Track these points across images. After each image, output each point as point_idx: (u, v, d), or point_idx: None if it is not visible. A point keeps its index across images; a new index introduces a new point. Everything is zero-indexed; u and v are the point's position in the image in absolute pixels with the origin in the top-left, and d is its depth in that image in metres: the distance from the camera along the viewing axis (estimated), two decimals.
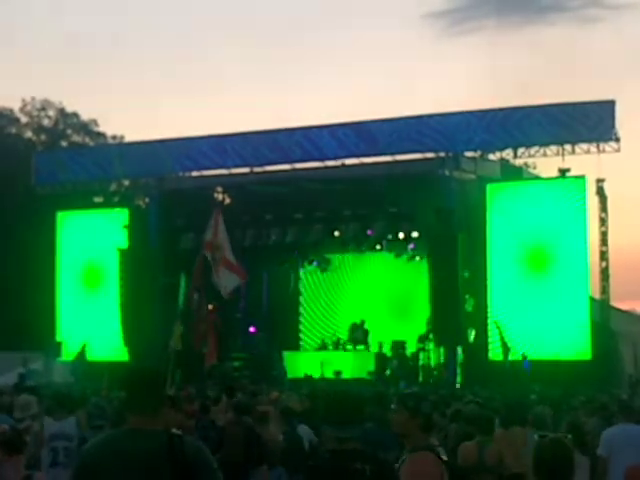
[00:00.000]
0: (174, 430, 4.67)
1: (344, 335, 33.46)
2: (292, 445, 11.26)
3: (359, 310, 34.33)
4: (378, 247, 33.30)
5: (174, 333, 22.82)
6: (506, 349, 27.17)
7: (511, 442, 10.21)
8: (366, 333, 32.59)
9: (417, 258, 32.57)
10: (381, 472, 4.96)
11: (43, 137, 50.04)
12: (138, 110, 71.60)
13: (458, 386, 27.53)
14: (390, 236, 32.04)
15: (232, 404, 12.73)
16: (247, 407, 12.21)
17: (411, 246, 32.22)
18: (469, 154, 31.04)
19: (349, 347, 32.82)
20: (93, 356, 32.11)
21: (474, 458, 9.32)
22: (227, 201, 34.49)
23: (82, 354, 31.98)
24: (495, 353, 28.66)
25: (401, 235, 31.71)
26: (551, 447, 5.13)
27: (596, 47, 71.15)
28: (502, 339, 27.30)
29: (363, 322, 32.82)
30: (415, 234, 31.41)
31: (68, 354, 33.94)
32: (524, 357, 27.19)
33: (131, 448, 4.49)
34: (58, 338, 34.43)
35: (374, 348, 32.20)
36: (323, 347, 33.63)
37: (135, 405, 4.62)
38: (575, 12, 76.19)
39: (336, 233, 32.05)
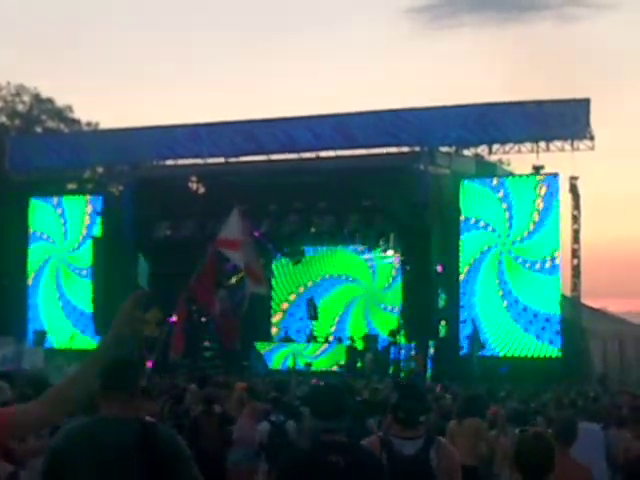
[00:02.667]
0: (147, 418, 4.64)
1: (315, 328, 33.53)
2: (277, 439, 11.26)
3: (331, 303, 34.37)
4: (352, 240, 33.31)
5: (149, 321, 22.74)
6: (479, 345, 27.28)
7: (464, 434, 10.26)
8: (315, 308, 32.88)
9: (390, 252, 32.62)
10: (355, 464, 4.92)
11: (17, 122, 49.66)
12: (114, 97, 71.33)
13: (428, 380, 27.63)
14: (364, 229, 32.03)
15: (201, 396, 12.70)
16: (217, 397, 12.18)
17: (384, 239, 32.25)
18: (444, 149, 31.14)
19: (321, 339, 32.89)
20: (64, 344, 32.00)
21: None
22: (201, 190, 34.42)
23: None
24: (466, 348, 28.84)
25: (375, 229, 31.72)
26: (533, 441, 5.13)
27: (574, 46, 71.62)
28: (477, 335, 27.38)
29: (313, 297, 33.07)
30: (389, 228, 31.44)
31: (37, 341, 33.87)
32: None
33: (104, 437, 4.46)
34: (30, 325, 34.26)
35: (346, 341, 32.23)
36: (290, 339, 33.74)
37: (110, 392, 4.58)
38: (555, 10, 76.51)
39: (311, 227, 32.04)
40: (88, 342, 31.84)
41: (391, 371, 30.15)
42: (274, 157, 32.58)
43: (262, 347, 32.35)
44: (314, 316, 33.00)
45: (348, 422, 5.83)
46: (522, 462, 5.07)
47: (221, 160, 33.23)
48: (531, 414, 12.21)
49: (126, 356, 4.70)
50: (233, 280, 28.13)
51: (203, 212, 28.47)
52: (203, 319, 30.50)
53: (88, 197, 34.82)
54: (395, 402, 5.95)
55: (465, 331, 28.85)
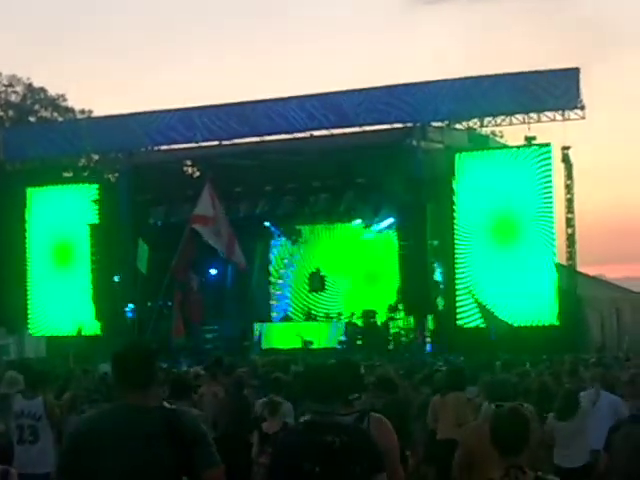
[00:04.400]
0: (166, 404, 4.74)
1: (314, 306, 33.85)
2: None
3: (330, 281, 34.63)
4: (348, 218, 33.50)
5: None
6: (488, 315, 27.29)
7: (447, 408, 10.40)
8: (322, 279, 33.22)
9: (386, 227, 32.81)
10: (351, 443, 4.92)
11: (11, 113, 49.71)
12: (106, 84, 71.29)
13: (428, 353, 27.89)
14: (359, 207, 32.18)
15: (231, 381, 12.71)
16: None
17: (380, 216, 32.44)
18: (436, 124, 31.25)
19: (320, 318, 33.17)
20: (67, 331, 32.24)
21: None
22: (196, 174, 34.58)
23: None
24: (464, 320, 29.09)
25: (370, 205, 31.90)
26: (508, 417, 5.20)
27: (565, 15, 71.51)
28: (481, 307, 27.45)
29: (319, 269, 33.37)
30: (384, 204, 31.60)
31: (39, 330, 34.13)
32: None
33: (125, 425, 4.55)
34: (30, 314, 34.48)
35: (346, 318, 32.49)
36: (289, 318, 34.06)
37: (127, 381, 4.65)
38: None
39: (307, 206, 32.23)
40: (90, 328, 32.08)
41: (391, 346, 30.46)
42: (267, 138, 32.69)
43: (261, 328, 32.62)
44: (321, 287, 33.29)
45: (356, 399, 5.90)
46: (497, 438, 5.12)
47: (215, 143, 33.35)
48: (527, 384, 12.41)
49: (144, 342, 4.77)
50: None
51: (199, 196, 28.57)
52: None
53: (84, 185, 34.96)
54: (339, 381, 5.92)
55: (468, 305, 29.05)
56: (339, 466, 4.87)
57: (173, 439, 4.52)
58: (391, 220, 31.67)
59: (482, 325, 27.85)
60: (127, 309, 32.05)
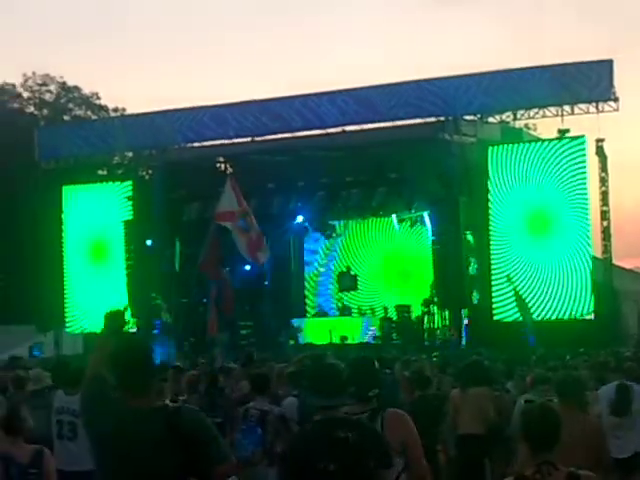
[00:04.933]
0: (169, 404, 4.74)
1: (349, 301, 33.86)
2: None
3: (364, 276, 34.66)
4: (381, 213, 33.48)
5: (163, 309, 23.16)
6: (524, 309, 27.24)
7: (467, 403, 10.37)
8: (354, 278, 33.21)
9: (420, 222, 32.75)
10: (364, 439, 4.97)
11: (45, 112, 50.09)
12: (139, 82, 71.61)
13: (463, 348, 27.81)
14: (392, 201, 32.14)
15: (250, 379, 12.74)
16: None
17: (413, 210, 32.40)
18: (469, 117, 31.11)
19: (355, 313, 33.18)
20: (101, 329, 32.38)
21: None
22: (229, 171, 34.66)
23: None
24: (500, 314, 29.00)
25: (404, 200, 31.86)
26: (539, 413, 5.20)
27: (597, 5, 70.87)
28: (519, 299, 27.40)
29: (349, 268, 33.42)
30: (417, 199, 31.53)
31: (77, 327, 34.38)
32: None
33: (129, 428, 4.57)
34: (67, 311, 34.76)
35: (380, 313, 32.49)
36: (324, 313, 34.09)
37: (126, 386, 4.67)
38: None
39: (340, 201, 32.24)
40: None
41: (426, 341, 30.39)
42: (299, 134, 32.72)
43: (296, 322, 32.70)
44: (353, 286, 33.34)
45: (379, 395, 5.92)
46: (528, 434, 5.11)
47: (247, 139, 33.43)
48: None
49: (136, 346, 4.75)
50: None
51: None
52: None
53: (118, 182, 35.19)
54: (346, 377, 5.97)
55: (497, 298, 29.00)
56: (354, 461, 4.90)
57: (176, 442, 4.51)
58: (425, 214, 31.59)
59: (519, 319, 27.78)
60: (160, 303, 32.20)
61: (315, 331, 31.78)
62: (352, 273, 34.15)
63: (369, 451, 4.95)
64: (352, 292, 34.31)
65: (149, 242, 32.12)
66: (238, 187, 26.14)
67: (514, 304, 28.67)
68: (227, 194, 25.81)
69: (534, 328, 26.59)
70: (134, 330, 31.66)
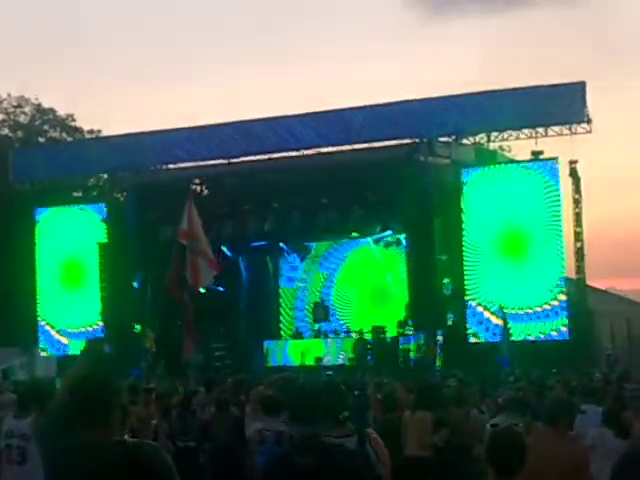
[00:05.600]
0: (128, 439, 4.61)
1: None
2: None
3: (340, 297, 34.65)
4: (357, 234, 33.51)
5: (147, 337, 22.98)
6: (507, 335, 27.32)
7: (414, 425, 10.46)
8: (327, 310, 33.18)
9: (395, 244, 32.81)
10: (327, 465, 4.96)
11: (20, 134, 49.91)
12: (114, 104, 71.56)
13: (438, 369, 27.79)
14: (368, 222, 32.17)
15: (214, 400, 12.89)
16: (228, 403, 12.40)
17: (388, 232, 32.44)
18: (443, 139, 31.25)
19: (330, 335, 33.12)
20: (75, 351, 32.26)
21: None
22: (204, 192, 34.63)
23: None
24: (474, 335, 29.05)
25: (378, 221, 31.89)
26: (504, 438, 5.16)
27: (571, 29, 71.57)
28: (505, 325, 27.46)
29: (323, 300, 33.43)
30: (392, 220, 31.57)
31: (50, 349, 34.17)
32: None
33: (85, 463, 4.45)
34: (40, 333, 34.55)
35: (355, 334, 32.44)
36: (299, 335, 34.02)
37: (84, 418, 4.57)
38: None
39: (315, 222, 32.22)
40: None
41: (401, 363, 30.35)
42: (275, 155, 32.76)
43: (271, 345, 32.60)
44: (324, 318, 33.27)
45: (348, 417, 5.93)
46: (492, 458, 5.09)
47: (222, 161, 33.42)
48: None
49: (98, 378, 4.64)
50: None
51: (207, 214, 28.61)
52: None
53: (93, 205, 35.07)
54: (316, 402, 5.95)
55: (471, 319, 29.08)
56: None
57: (136, 476, 4.43)
58: (400, 235, 31.63)
59: (494, 340, 27.83)
60: (135, 328, 32.05)
61: (290, 353, 31.69)
62: (325, 304, 34.00)
63: (338, 477, 4.95)
64: (329, 321, 34.23)
65: (136, 284, 31.97)
66: (193, 206, 25.93)
67: (487, 325, 28.79)
68: (185, 212, 25.73)
69: (510, 350, 26.63)
70: (107, 351, 31.60)
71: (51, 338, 34.46)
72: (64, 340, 34.06)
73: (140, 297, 31.64)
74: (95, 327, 33.13)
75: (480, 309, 29.14)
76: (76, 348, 32.59)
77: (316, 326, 34.07)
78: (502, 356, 26.46)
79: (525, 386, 14.31)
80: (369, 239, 33.67)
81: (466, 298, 29.33)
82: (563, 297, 28.24)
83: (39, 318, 34.76)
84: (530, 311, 28.26)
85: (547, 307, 28.19)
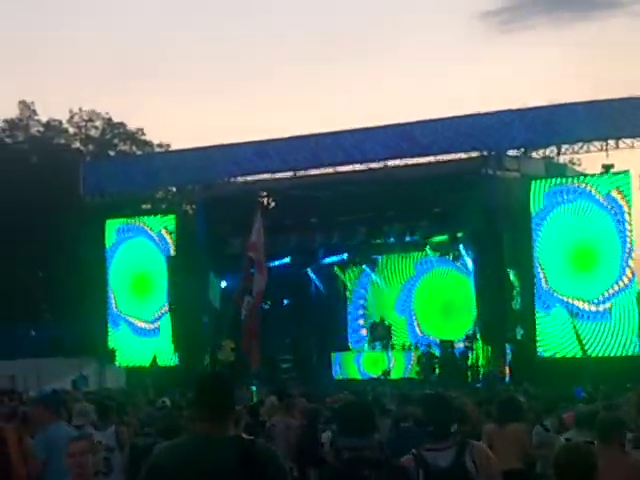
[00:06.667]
0: (245, 436, 4.68)
1: (395, 335, 33.78)
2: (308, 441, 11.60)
3: (407, 310, 34.58)
4: (423, 247, 33.37)
5: (224, 347, 23.10)
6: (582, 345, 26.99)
7: (504, 438, 10.28)
8: (388, 329, 33.02)
9: (463, 257, 32.60)
10: (386, 476, 5.10)
11: (91, 147, 50.74)
12: (184, 118, 72.31)
13: (507, 384, 27.50)
14: (435, 236, 32.02)
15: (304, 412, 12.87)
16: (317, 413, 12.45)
17: (457, 245, 32.24)
18: (512, 152, 31.03)
19: (397, 348, 33.02)
20: (144, 362, 32.64)
21: None
22: (271, 205, 34.80)
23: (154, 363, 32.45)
24: (544, 350, 28.75)
25: (446, 235, 31.73)
26: (573, 454, 5.12)
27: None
28: (578, 336, 27.16)
29: (383, 319, 33.29)
30: (460, 234, 31.39)
31: (121, 361, 34.54)
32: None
33: (206, 456, 4.49)
34: (110, 345, 34.95)
35: (422, 348, 32.30)
36: (371, 347, 33.91)
37: (207, 411, 4.62)
38: (626, 8, 75.24)
39: (381, 236, 32.20)
40: (167, 360, 32.46)
41: (469, 377, 30.14)
42: (341, 169, 32.81)
43: (338, 357, 32.61)
44: (387, 336, 33.08)
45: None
46: (559, 474, 5.06)
47: (289, 174, 33.58)
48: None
49: (224, 373, 4.83)
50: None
51: (274, 227, 28.78)
52: None
53: (162, 217, 35.45)
54: (423, 415, 5.99)
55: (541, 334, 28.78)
56: None
57: (252, 472, 4.45)
58: (468, 249, 31.43)
59: (565, 355, 27.50)
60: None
61: (358, 365, 31.71)
62: (386, 323, 33.80)
63: None
64: (397, 325, 34.11)
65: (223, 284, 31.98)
66: (261, 219, 26.16)
67: (559, 340, 28.47)
68: (255, 225, 25.97)
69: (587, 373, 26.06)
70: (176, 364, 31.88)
71: (120, 349, 34.73)
72: (133, 352, 34.37)
73: (209, 309, 31.76)
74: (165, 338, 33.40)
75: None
76: (144, 360, 32.96)
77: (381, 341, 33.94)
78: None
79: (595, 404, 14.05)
80: (437, 253, 33.48)
81: (536, 312, 29.01)
82: (636, 312, 27.73)
83: (109, 329, 35.05)
84: (600, 327, 27.87)
85: (619, 322, 27.72)
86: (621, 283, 27.94)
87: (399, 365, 31.35)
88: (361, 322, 35.66)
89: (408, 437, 9.12)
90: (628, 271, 28.01)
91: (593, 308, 28.14)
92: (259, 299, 25.86)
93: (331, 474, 5.39)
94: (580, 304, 28.24)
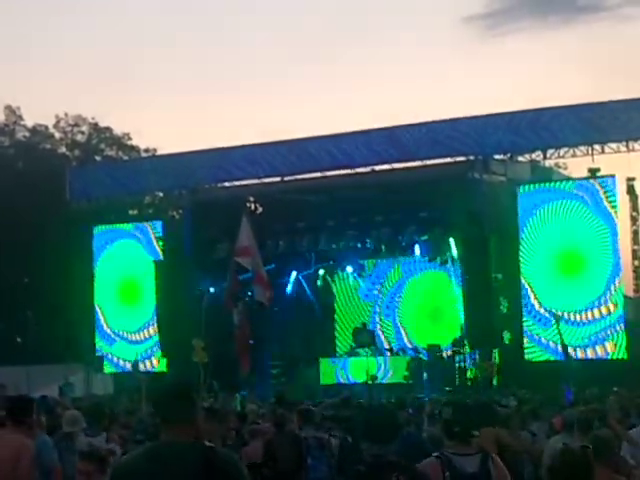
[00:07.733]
0: (206, 442, 4.69)
1: (378, 340, 33.73)
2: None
3: (394, 315, 34.59)
4: (411, 252, 33.38)
5: (194, 348, 23.11)
6: (564, 347, 27.02)
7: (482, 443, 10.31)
8: (372, 334, 32.98)
9: (449, 261, 32.63)
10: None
11: (77, 152, 50.54)
12: (170, 123, 72.14)
13: (494, 388, 27.59)
14: (422, 241, 32.04)
15: (272, 419, 12.86)
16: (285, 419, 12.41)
17: (443, 250, 32.25)
18: (498, 157, 31.12)
19: (385, 352, 32.99)
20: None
21: None
22: (259, 210, 34.77)
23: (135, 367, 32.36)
24: (532, 354, 28.82)
25: (433, 239, 31.75)
26: (569, 457, 5.15)
27: (632, 46, 70.77)
28: (560, 337, 27.22)
29: (365, 324, 33.28)
30: (447, 238, 31.42)
31: (109, 367, 34.47)
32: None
33: (164, 461, 4.51)
34: (98, 351, 34.85)
35: (411, 352, 32.31)
36: (355, 353, 33.91)
37: (167, 416, 4.67)
38: (612, 12, 75.39)
39: (369, 240, 32.23)
40: (156, 364, 32.41)
41: (457, 381, 30.15)
42: (329, 173, 32.82)
43: (325, 362, 32.58)
44: (370, 342, 33.00)
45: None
46: (554, 476, 5.11)
47: (277, 179, 33.58)
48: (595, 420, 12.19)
49: (183, 378, 4.86)
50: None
51: (262, 231, 28.75)
52: None
53: (149, 222, 35.38)
54: (449, 417, 6.02)
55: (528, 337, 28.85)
56: None
57: (208, 476, 4.45)
58: (454, 253, 31.46)
59: (551, 359, 27.54)
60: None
61: (346, 370, 31.69)
62: (369, 328, 33.76)
63: None
64: (384, 330, 34.11)
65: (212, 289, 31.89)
66: (248, 224, 26.17)
67: (545, 344, 28.54)
68: (242, 230, 25.92)
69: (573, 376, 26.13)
70: (164, 371, 31.82)
71: (107, 355, 34.64)
72: (121, 357, 34.29)
73: (196, 313, 31.74)
74: (152, 345, 33.33)
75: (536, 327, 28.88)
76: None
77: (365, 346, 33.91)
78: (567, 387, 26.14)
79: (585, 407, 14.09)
80: (424, 257, 33.49)
81: (523, 316, 29.09)
82: (622, 316, 27.84)
83: (96, 335, 34.96)
84: (587, 330, 27.95)
85: (604, 325, 27.81)
86: (612, 287, 28.01)
87: (387, 370, 31.30)
88: (348, 327, 35.62)
89: (410, 442, 9.13)
90: (616, 279, 28.07)
91: (578, 317, 28.22)
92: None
93: (365, 472, 5.41)
94: (566, 315, 28.24)
